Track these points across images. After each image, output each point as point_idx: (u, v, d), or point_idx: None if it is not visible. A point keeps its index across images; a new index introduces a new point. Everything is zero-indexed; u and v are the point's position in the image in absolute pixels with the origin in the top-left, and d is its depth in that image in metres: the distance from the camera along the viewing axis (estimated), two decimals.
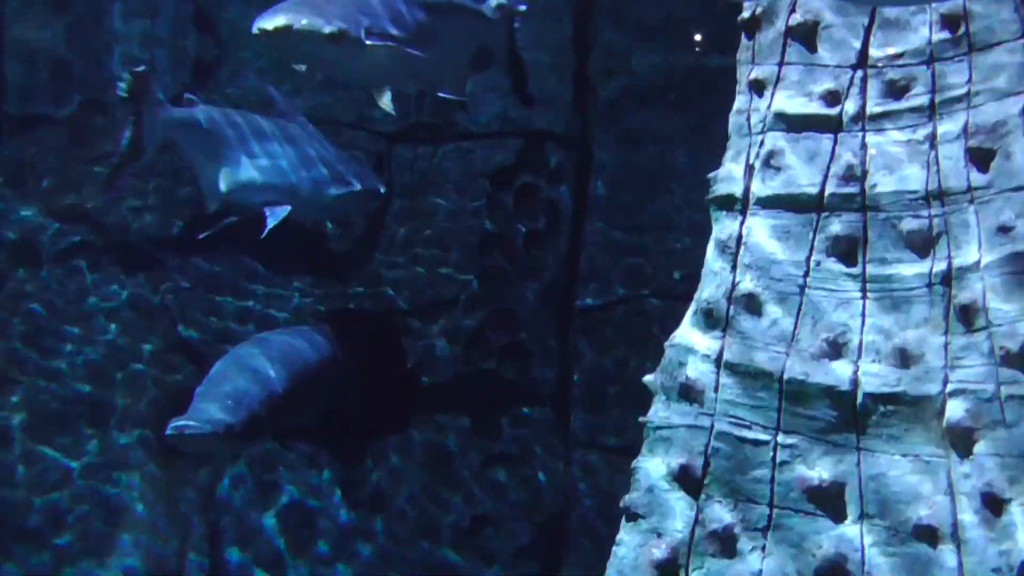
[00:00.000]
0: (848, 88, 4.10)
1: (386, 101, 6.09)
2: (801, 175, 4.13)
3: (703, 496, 4.10)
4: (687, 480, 4.12)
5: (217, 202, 6.53)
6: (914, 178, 3.98)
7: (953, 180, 3.93)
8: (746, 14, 4.31)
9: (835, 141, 4.11)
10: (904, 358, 3.90)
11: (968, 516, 3.75)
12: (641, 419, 4.31)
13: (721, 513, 4.06)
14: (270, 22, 5.60)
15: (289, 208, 6.50)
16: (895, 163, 4.01)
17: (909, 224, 3.97)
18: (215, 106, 6.82)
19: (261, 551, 8.03)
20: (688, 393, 4.18)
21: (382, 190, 7.36)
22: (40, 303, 8.11)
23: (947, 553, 3.76)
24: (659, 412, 4.26)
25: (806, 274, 4.08)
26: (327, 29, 5.64)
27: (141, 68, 6.57)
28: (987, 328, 3.80)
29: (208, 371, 6.92)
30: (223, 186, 6.40)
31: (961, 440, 3.78)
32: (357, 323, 7.85)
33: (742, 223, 4.22)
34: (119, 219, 8.11)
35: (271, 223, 6.50)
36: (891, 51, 4.06)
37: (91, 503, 8.09)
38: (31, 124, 8.20)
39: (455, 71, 6.48)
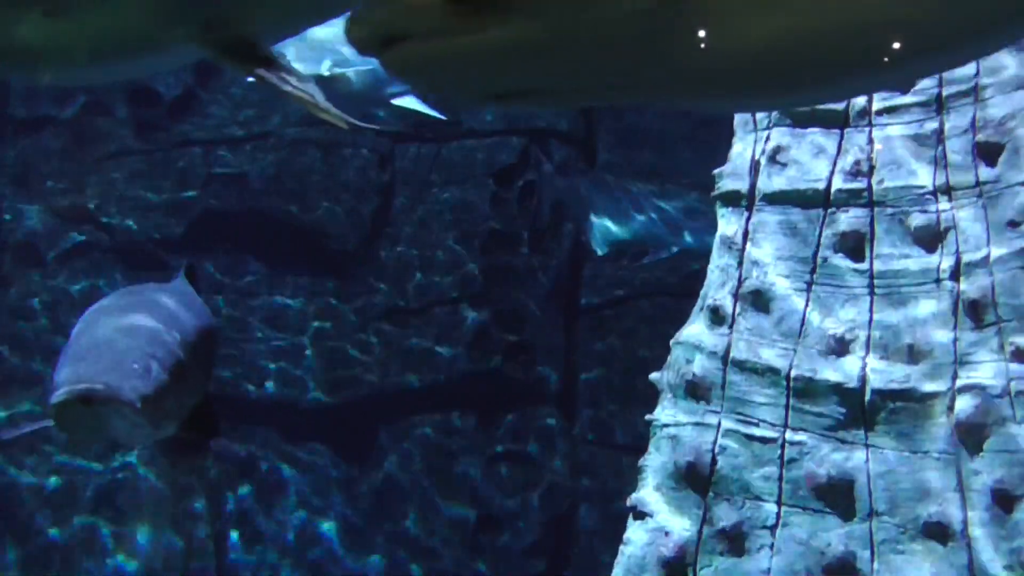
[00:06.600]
0: None
1: None
2: (807, 171, 4.10)
3: (711, 494, 4.08)
4: (695, 478, 4.10)
5: (600, 251, 8.15)
6: (921, 173, 3.95)
7: (961, 175, 3.90)
8: None
9: (841, 136, 4.08)
10: (912, 354, 3.87)
11: (978, 513, 3.72)
12: (648, 417, 4.28)
13: (729, 511, 4.04)
14: None
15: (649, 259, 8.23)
16: (902, 158, 3.99)
17: (917, 219, 3.94)
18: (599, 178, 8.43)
19: (266, 551, 8.01)
20: (695, 391, 4.16)
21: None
22: (44, 302, 8.09)
23: (957, 550, 3.74)
24: (666, 410, 4.23)
25: (813, 270, 4.06)
26: None
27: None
28: (996, 324, 3.77)
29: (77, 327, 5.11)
30: (603, 243, 8.14)
31: (971, 437, 3.75)
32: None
33: (748, 219, 4.20)
34: (122, 219, 8.09)
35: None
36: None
37: (96, 502, 8.07)
38: (36, 125, 8.20)
39: None
